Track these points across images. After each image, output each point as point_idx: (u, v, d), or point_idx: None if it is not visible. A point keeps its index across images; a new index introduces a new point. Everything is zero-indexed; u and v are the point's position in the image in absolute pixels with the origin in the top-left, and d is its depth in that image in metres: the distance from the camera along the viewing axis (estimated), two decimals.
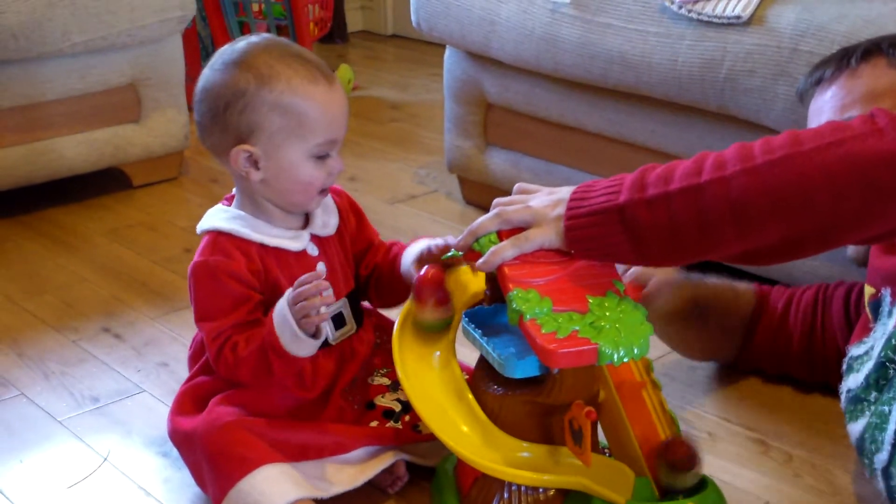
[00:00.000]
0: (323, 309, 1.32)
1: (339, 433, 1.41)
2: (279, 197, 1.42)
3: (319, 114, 1.38)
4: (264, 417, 1.40)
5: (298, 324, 1.32)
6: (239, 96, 1.37)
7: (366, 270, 1.54)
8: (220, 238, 1.41)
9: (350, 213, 1.54)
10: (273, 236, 1.42)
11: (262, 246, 1.42)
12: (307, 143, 1.38)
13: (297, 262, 1.44)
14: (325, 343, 1.45)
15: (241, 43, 1.41)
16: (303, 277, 1.33)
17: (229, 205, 1.47)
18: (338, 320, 1.48)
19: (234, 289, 1.38)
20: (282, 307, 1.34)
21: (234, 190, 1.48)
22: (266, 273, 1.41)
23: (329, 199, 1.50)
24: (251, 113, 1.37)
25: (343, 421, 1.44)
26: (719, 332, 1.68)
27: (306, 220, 1.47)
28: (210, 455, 1.37)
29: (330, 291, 1.36)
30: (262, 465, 1.34)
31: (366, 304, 1.57)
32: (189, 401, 1.46)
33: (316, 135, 1.38)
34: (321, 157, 1.40)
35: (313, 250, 1.47)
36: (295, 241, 1.44)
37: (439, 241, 1.43)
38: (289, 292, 1.34)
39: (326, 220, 1.48)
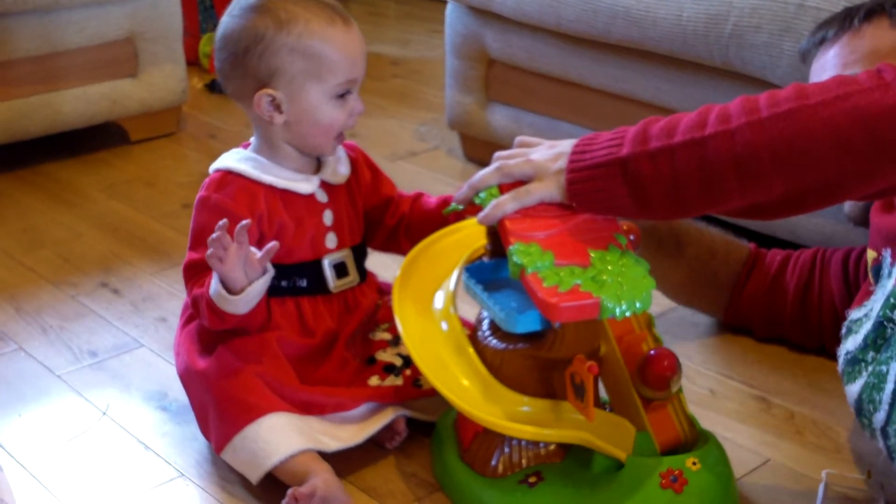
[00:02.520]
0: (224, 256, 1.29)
1: (340, 395, 1.41)
2: (300, 139, 1.43)
3: (338, 54, 1.39)
4: (269, 364, 1.39)
5: (222, 278, 1.31)
6: (258, 40, 1.38)
7: (392, 220, 1.55)
8: (228, 177, 1.43)
9: (364, 167, 1.54)
10: (283, 178, 1.43)
11: (271, 188, 1.43)
12: (327, 83, 1.39)
13: (306, 207, 1.45)
14: (326, 290, 1.47)
15: None
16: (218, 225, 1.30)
17: (246, 149, 1.48)
18: (340, 269, 1.48)
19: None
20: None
21: (251, 139, 1.49)
22: (270, 215, 1.42)
23: (341, 150, 1.51)
24: (271, 56, 1.38)
25: (345, 372, 1.44)
26: (703, 276, 1.67)
27: (318, 168, 1.48)
28: (218, 399, 1.37)
29: (244, 235, 1.30)
30: (268, 413, 1.34)
31: (369, 270, 1.57)
32: (198, 340, 1.45)
33: (336, 75, 1.39)
34: (341, 97, 1.41)
35: (322, 197, 1.47)
36: (304, 183, 1.45)
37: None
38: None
39: (337, 169, 1.49)
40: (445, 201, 1.52)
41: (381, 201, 1.55)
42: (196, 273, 1.40)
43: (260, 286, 1.34)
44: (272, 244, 1.32)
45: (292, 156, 1.45)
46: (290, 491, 1.29)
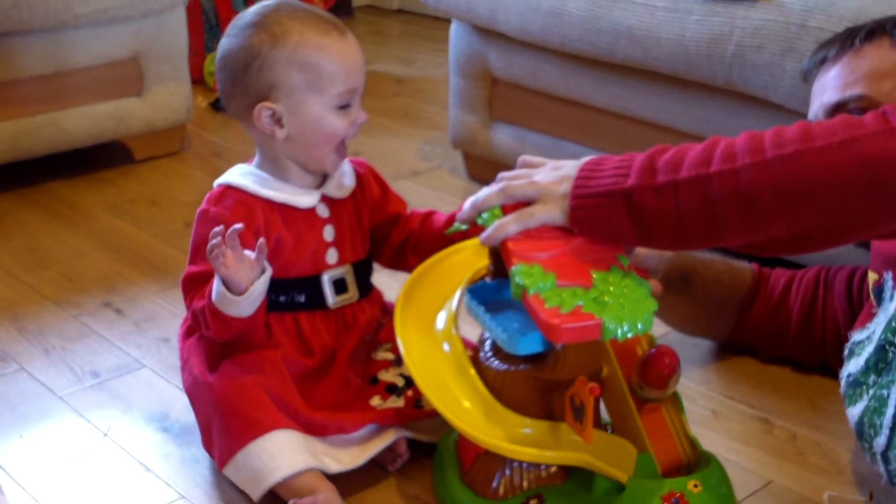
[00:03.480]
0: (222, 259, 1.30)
1: (342, 418, 1.41)
2: (302, 153, 1.44)
3: (335, 64, 1.40)
4: (274, 381, 1.39)
5: (221, 278, 1.32)
6: (255, 56, 1.39)
7: (399, 237, 1.55)
8: (227, 191, 1.44)
9: (373, 183, 1.54)
10: (282, 192, 1.44)
11: (269, 202, 1.43)
12: (327, 94, 1.40)
13: (305, 221, 1.46)
14: (324, 306, 1.47)
15: (253, 7, 1.44)
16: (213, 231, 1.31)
17: (250, 164, 1.49)
18: (339, 285, 1.48)
19: None
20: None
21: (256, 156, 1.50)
22: (267, 229, 1.42)
23: (347, 165, 1.51)
24: (269, 71, 1.39)
25: (347, 391, 1.44)
26: (709, 307, 1.67)
27: (321, 183, 1.48)
28: (224, 413, 1.36)
29: (235, 241, 1.31)
30: (274, 429, 1.34)
31: (376, 287, 1.57)
32: (207, 354, 1.45)
33: (335, 85, 1.40)
34: (343, 108, 1.42)
35: (324, 211, 1.47)
36: (304, 197, 1.45)
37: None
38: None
39: (341, 183, 1.49)
40: (453, 218, 1.52)
41: (389, 218, 1.55)
42: (195, 286, 1.40)
43: (262, 284, 1.34)
44: (261, 241, 1.33)
45: (294, 172, 1.46)
46: (290, 502, 1.29)
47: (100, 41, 2.45)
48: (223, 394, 1.37)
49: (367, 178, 1.53)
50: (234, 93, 1.43)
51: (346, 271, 1.49)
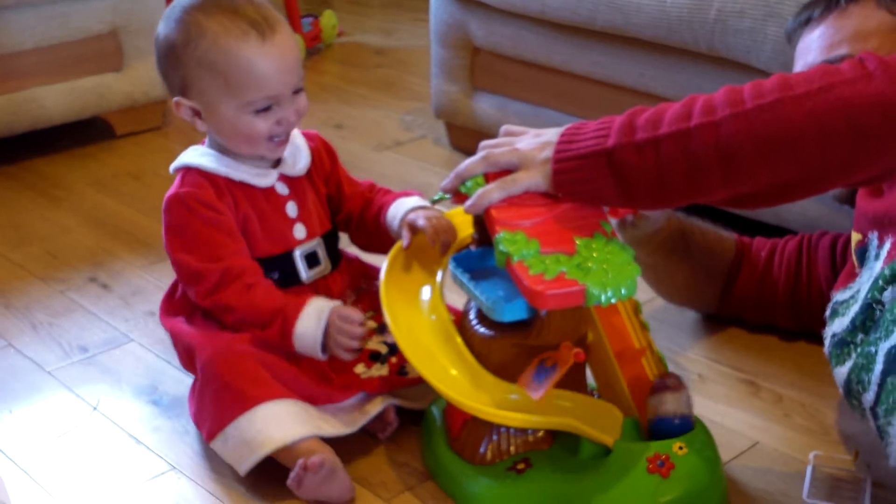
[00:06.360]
0: (347, 356, 1.38)
1: (329, 388, 1.41)
2: (229, 145, 1.43)
3: (247, 71, 1.35)
4: (270, 351, 1.40)
5: (325, 344, 1.37)
6: (170, 52, 1.39)
7: (339, 216, 1.54)
8: (189, 172, 1.43)
9: (324, 154, 1.53)
10: (240, 171, 1.43)
11: (230, 180, 1.43)
12: (238, 99, 1.37)
13: (267, 200, 1.45)
14: (299, 282, 1.47)
15: None
16: (356, 316, 1.37)
17: (203, 145, 1.49)
18: (311, 259, 1.48)
19: (212, 217, 1.39)
20: (321, 309, 1.37)
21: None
22: (236, 206, 1.42)
23: (301, 141, 1.50)
24: (181, 69, 1.39)
25: (331, 361, 1.45)
26: (702, 273, 1.67)
27: (278, 160, 1.47)
28: (215, 386, 1.36)
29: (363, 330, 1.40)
30: (263, 402, 1.34)
31: (349, 252, 1.57)
32: (203, 327, 1.44)
33: (246, 92, 1.36)
34: (263, 110, 1.38)
35: (283, 189, 1.47)
36: (262, 178, 1.45)
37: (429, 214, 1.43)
38: (335, 305, 1.38)
39: (296, 161, 1.48)
40: (381, 208, 1.51)
41: (332, 193, 1.54)
42: (201, 280, 1.39)
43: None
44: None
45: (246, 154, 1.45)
46: (300, 461, 1.29)
47: (78, 16, 2.43)
48: (220, 365, 1.36)
49: (318, 151, 1.52)
50: (163, 79, 1.44)
51: (317, 244, 1.49)
